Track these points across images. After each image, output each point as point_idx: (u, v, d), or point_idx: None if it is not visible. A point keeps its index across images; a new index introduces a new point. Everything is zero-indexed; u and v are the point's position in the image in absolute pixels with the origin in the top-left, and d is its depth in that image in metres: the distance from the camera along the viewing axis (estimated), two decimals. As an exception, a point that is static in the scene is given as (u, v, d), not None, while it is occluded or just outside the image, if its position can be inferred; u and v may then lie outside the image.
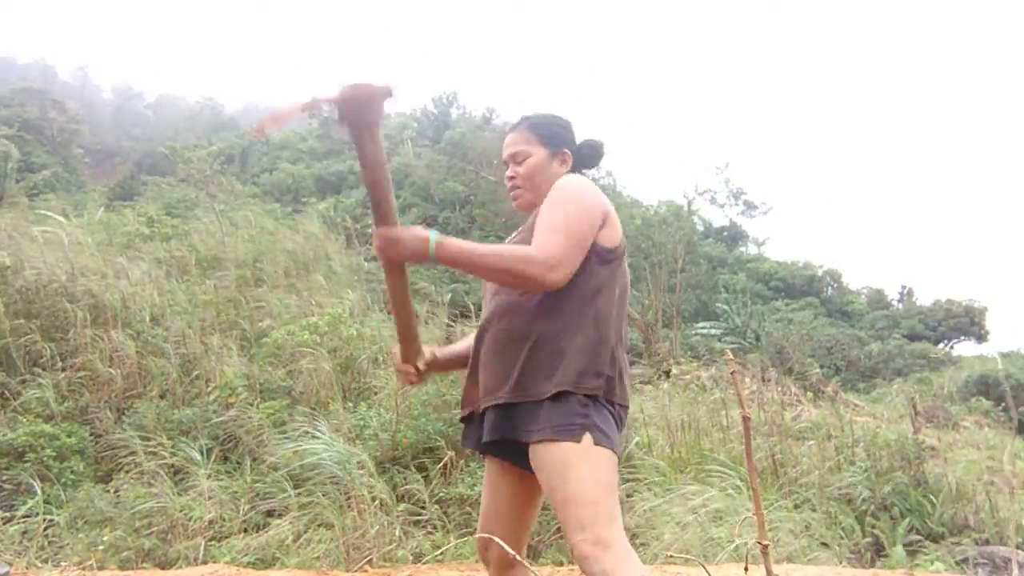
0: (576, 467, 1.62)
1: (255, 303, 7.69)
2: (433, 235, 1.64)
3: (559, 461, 1.63)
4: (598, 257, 1.74)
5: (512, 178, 1.90)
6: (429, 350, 1.88)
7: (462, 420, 1.92)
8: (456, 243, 1.66)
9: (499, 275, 1.70)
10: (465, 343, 1.96)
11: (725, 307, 18.74)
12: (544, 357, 1.69)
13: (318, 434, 4.83)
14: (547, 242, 1.66)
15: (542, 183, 1.84)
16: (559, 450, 1.63)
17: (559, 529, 3.98)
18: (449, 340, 7.19)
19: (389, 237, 1.64)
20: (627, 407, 1.78)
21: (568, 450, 1.63)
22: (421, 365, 1.86)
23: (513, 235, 1.94)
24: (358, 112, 1.65)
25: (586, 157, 1.95)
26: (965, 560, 4.54)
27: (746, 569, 2.14)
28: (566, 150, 1.89)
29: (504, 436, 1.73)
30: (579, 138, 1.95)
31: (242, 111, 49.56)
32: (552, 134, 1.90)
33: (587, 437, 1.63)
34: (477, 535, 1.93)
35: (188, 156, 13.88)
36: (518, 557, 1.74)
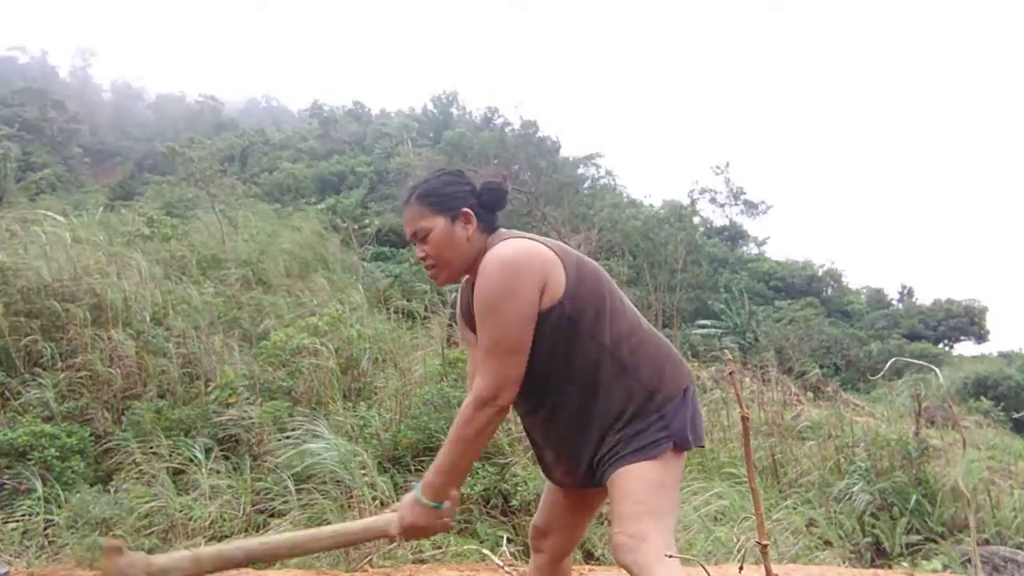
0: (635, 474, 1.65)
1: (255, 303, 7.70)
2: (416, 490, 1.73)
3: (624, 473, 1.66)
4: (566, 319, 1.67)
5: (424, 258, 1.80)
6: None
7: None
8: (429, 474, 1.73)
9: (475, 442, 1.70)
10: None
11: (724, 307, 18.74)
12: (590, 430, 1.72)
13: (320, 433, 4.83)
14: (486, 371, 1.65)
15: (453, 254, 1.77)
16: (632, 468, 1.66)
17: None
18: (450, 340, 7.19)
19: (409, 531, 1.74)
20: (686, 385, 1.74)
21: (638, 466, 1.65)
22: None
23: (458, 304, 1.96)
24: None
25: (488, 203, 1.81)
26: (967, 560, 4.54)
27: (740, 568, 2.15)
28: (464, 209, 1.76)
29: (594, 484, 1.76)
30: (478, 182, 1.83)
31: (242, 110, 49.59)
32: (444, 197, 1.77)
33: (667, 448, 1.66)
34: (534, 521, 1.98)
35: (188, 156, 13.88)
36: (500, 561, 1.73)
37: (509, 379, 1.64)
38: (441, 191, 1.79)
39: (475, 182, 1.84)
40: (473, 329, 1.80)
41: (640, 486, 1.63)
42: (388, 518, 1.76)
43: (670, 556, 1.56)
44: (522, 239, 1.74)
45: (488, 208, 1.81)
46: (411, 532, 1.73)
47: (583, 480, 1.79)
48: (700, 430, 1.74)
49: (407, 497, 1.74)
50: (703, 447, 1.78)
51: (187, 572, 1.65)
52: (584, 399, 1.70)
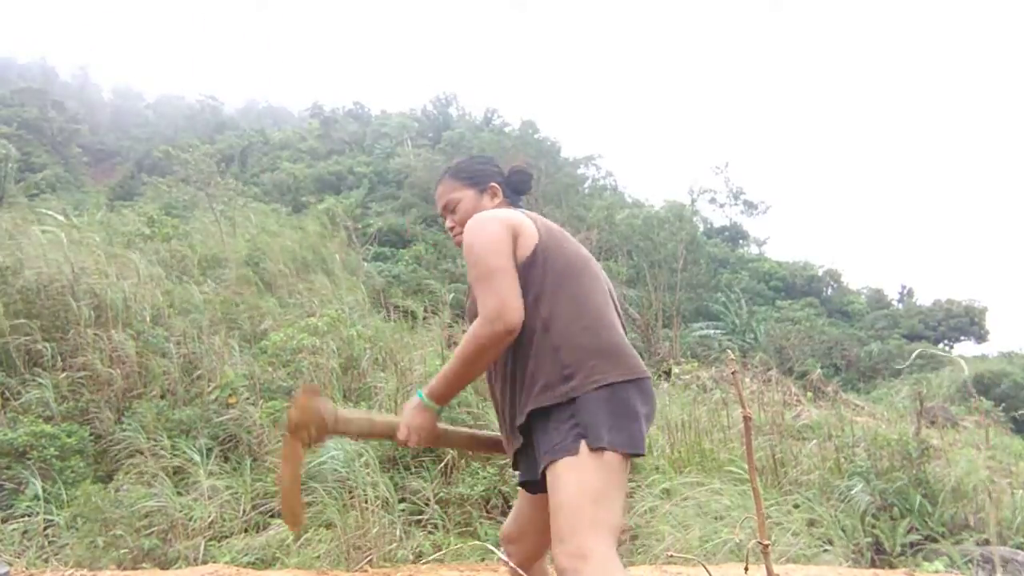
0: (564, 478, 1.62)
1: (255, 303, 7.70)
2: (419, 393, 1.80)
3: (553, 477, 1.64)
4: (522, 271, 1.75)
5: (452, 228, 1.98)
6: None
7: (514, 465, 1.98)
8: (434, 381, 1.78)
9: (477, 360, 1.73)
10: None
11: (723, 308, 18.74)
12: (519, 392, 1.75)
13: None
14: (481, 300, 1.71)
15: None
16: (556, 468, 1.64)
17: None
18: (451, 340, 7.19)
19: (411, 432, 1.79)
20: (639, 378, 1.71)
21: (561, 465, 1.63)
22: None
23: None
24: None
25: (517, 183, 2.03)
26: (969, 560, 4.54)
27: (746, 569, 2.14)
28: (493, 184, 1.97)
29: (534, 477, 1.77)
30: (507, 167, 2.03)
31: (242, 110, 49.57)
32: (475, 172, 1.99)
33: (583, 446, 1.61)
34: (503, 528, 2.01)
35: (185, 157, 13.89)
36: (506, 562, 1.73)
37: (503, 299, 1.68)
38: (472, 168, 2.02)
39: (504, 169, 2.05)
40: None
41: (572, 493, 1.60)
42: (396, 422, 1.83)
43: (609, 565, 1.55)
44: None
45: (515, 189, 2.03)
46: (413, 432, 1.78)
47: (527, 471, 1.82)
48: (629, 433, 1.66)
49: (411, 401, 1.81)
50: (639, 455, 1.69)
51: (362, 430, 1.85)
52: (515, 357, 1.75)
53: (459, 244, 1.92)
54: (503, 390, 1.81)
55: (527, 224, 1.80)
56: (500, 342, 1.69)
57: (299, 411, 1.77)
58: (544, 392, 1.67)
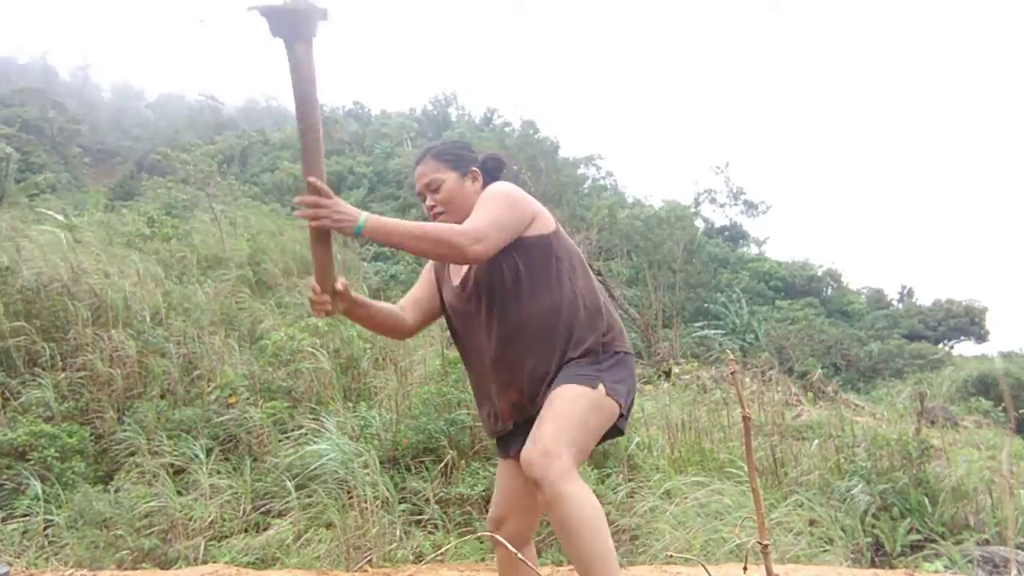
0: (569, 396, 1.78)
1: (255, 303, 7.70)
2: (363, 215, 1.73)
3: (558, 392, 1.80)
4: (550, 243, 1.94)
5: (432, 207, 2.04)
6: (343, 282, 1.89)
7: (498, 433, 2.06)
8: (384, 219, 1.77)
9: (426, 244, 1.78)
10: (380, 305, 2.05)
11: (723, 308, 18.73)
12: (553, 351, 1.89)
13: (323, 432, 4.83)
14: (475, 220, 1.84)
15: (461, 203, 2.00)
16: (567, 388, 1.80)
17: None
18: (451, 340, 7.18)
19: (320, 203, 1.71)
20: (631, 354, 1.97)
21: (574, 389, 1.80)
22: (339, 286, 1.86)
23: None
24: (296, 24, 1.66)
25: (492, 170, 2.13)
26: (970, 560, 4.54)
27: (745, 569, 2.14)
28: (473, 168, 2.07)
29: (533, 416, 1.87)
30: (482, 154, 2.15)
31: (242, 110, 49.56)
32: (457, 156, 2.07)
33: (600, 387, 1.81)
34: (490, 514, 2.07)
35: (185, 157, 13.88)
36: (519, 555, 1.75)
37: (489, 237, 1.81)
38: (454, 151, 2.09)
39: (479, 156, 2.15)
40: (437, 280, 2.11)
41: (563, 409, 1.76)
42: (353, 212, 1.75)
43: (574, 473, 1.68)
44: None
45: (490, 174, 2.12)
46: (327, 217, 1.72)
47: (520, 414, 1.94)
48: (631, 397, 1.92)
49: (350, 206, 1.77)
50: (624, 418, 1.90)
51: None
52: (550, 320, 1.89)
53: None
54: (518, 360, 1.91)
55: (545, 212, 2.00)
56: (452, 250, 1.78)
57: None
58: (579, 346, 1.87)
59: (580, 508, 1.65)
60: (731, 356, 1.86)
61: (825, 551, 4.43)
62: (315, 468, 4.53)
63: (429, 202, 2.04)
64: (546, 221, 1.97)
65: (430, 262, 2.15)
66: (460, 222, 1.90)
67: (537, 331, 1.90)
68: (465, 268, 2.01)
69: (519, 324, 1.91)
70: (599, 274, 16.27)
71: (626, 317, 16.64)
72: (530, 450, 1.71)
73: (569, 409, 1.76)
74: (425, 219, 2.00)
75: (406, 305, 2.10)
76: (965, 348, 23.43)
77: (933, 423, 8.90)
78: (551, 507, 1.67)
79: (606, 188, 27.44)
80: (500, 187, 1.96)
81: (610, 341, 1.90)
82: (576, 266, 1.97)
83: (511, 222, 1.88)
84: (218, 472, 4.75)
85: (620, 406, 1.84)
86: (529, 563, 1.68)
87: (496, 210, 1.87)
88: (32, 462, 4.57)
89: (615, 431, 1.92)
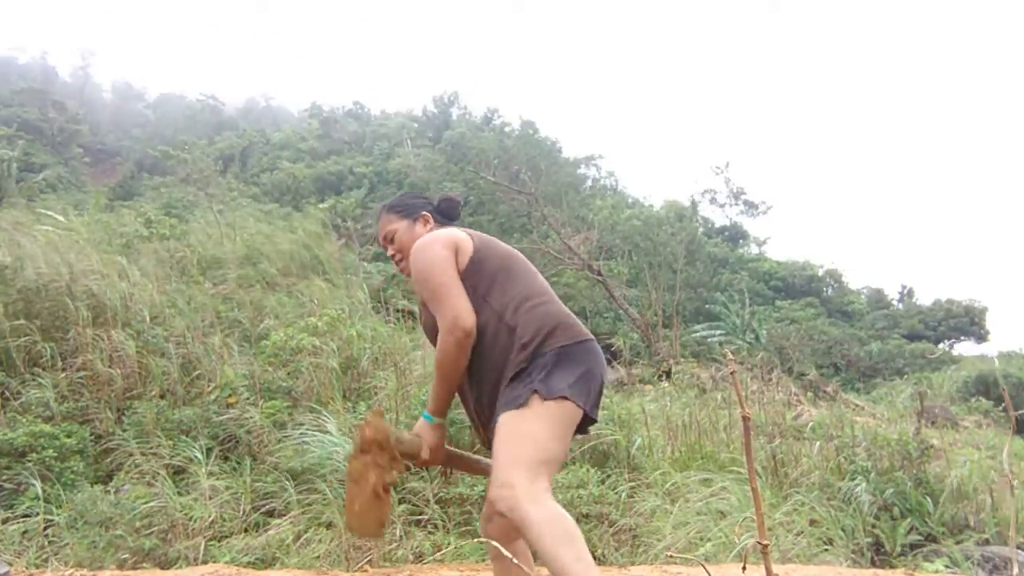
0: (505, 426, 1.83)
1: (255, 303, 7.69)
2: (424, 414, 2.02)
3: (497, 426, 1.86)
4: (467, 277, 1.99)
5: (393, 255, 2.25)
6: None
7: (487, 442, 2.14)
8: (430, 398, 2.01)
9: (452, 368, 1.94)
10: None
11: (723, 308, 18.72)
12: (498, 379, 1.94)
13: (324, 432, 4.83)
14: (439, 315, 1.95)
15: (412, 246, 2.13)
16: (501, 418, 1.86)
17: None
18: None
19: (435, 456, 2.03)
20: (583, 340, 1.94)
21: (506, 415, 1.84)
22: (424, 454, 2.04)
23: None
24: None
25: (446, 211, 2.30)
26: (970, 560, 4.54)
27: (744, 568, 2.15)
28: (424, 212, 2.24)
29: None
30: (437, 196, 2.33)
31: (242, 110, 49.56)
32: (406, 206, 2.27)
33: (534, 398, 1.83)
34: (484, 510, 2.14)
35: (185, 157, 13.88)
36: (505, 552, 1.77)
37: (457, 308, 1.92)
38: (404, 202, 2.29)
39: (433, 200, 2.32)
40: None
41: (505, 437, 1.82)
42: (420, 442, 2.00)
43: (534, 492, 1.72)
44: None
45: (445, 215, 2.30)
46: (428, 449, 1.98)
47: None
48: (581, 387, 1.87)
49: (420, 423, 2.03)
50: (582, 408, 1.87)
51: (414, 451, 1.98)
52: (481, 352, 1.96)
53: (403, 271, 2.20)
54: (478, 386, 2.00)
55: (462, 237, 2.06)
56: (464, 346, 1.92)
57: (372, 429, 1.90)
58: (510, 367, 1.90)
59: (548, 527, 1.70)
60: (730, 356, 1.86)
61: (825, 551, 4.43)
62: (315, 468, 4.53)
63: (390, 252, 2.25)
64: (464, 252, 2.02)
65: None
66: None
67: (476, 360, 1.98)
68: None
69: (472, 357, 1.99)
70: (599, 274, 16.29)
71: (626, 317, 16.64)
72: (490, 487, 1.81)
73: (510, 435, 1.81)
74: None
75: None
76: (965, 348, 23.45)
77: (933, 423, 8.90)
78: (522, 532, 1.74)
79: (606, 188, 27.44)
80: (415, 256, 2.02)
81: (540, 344, 1.89)
82: (497, 281, 2.00)
83: (450, 278, 1.96)
84: (218, 472, 4.74)
85: (569, 400, 1.83)
86: (518, 557, 1.76)
87: (436, 287, 1.96)
88: (32, 462, 4.56)
89: (588, 421, 1.94)
